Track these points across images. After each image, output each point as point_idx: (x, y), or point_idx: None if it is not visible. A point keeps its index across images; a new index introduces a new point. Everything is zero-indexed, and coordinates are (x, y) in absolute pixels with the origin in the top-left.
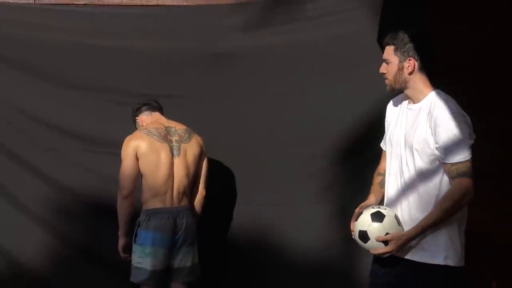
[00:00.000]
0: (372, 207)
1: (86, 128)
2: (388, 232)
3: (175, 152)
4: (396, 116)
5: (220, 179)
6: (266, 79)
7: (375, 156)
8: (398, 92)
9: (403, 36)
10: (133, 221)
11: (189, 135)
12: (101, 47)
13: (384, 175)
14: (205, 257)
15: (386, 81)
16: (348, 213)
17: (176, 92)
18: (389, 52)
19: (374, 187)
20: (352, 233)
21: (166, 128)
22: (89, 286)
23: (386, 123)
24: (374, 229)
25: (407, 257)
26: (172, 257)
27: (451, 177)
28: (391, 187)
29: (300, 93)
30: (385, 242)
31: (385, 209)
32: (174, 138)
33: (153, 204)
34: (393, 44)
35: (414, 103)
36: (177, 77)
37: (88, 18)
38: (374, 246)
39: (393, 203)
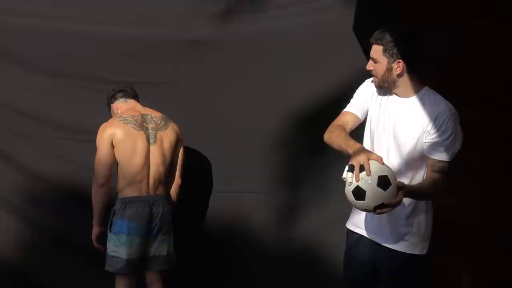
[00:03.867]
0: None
1: (61, 115)
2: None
3: (151, 140)
4: (379, 104)
5: (195, 167)
6: (242, 67)
7: None
8: None
9: (392, 37)
10: (108, 210)
11: (165, 122)
12: (76, 33)
13: (346, 131)
14: (180, 246)
15: (374, 78)
16: (321, 201)
17: (151, 79)
18: (378, 52)
19: (348, 137)
20: (360, 186)
21: (142, 115)
22: (64, 275)
23: (363, 95)
24: (392, 174)
25: (387, 245)
26: (148, 245)
27: (433, 171)
28: None
29: (276, 81)
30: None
31: None
32: (151, 125)
33: (128, 192)
34: (382, 45)
35: (403, 97)
36: (153, 64)
37: (63, 3)
38: (393, 194)
39: None
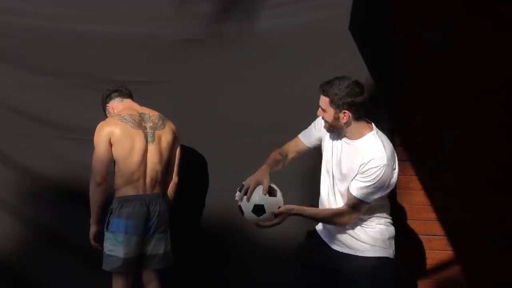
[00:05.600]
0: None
1: (59, 114)
2: (280, 206)
3: (149, 139)
4: (333, 140)
5: (192, 166)
6: (238, 65)
7: None
8: None
9: (338, 89)
10: (105, 209)
11: (163, 121)
12: (73, 32)
13: (284, 156)
14: (177, 244)
15: (324, 123)
16: (317, 200)
17: (147, 78)
18: (325, 102)
19: (271, 161)
20: (241, 206)
21: (140, 114)
22: (61, 273)
23: (318, 129)
24: (270, 203)
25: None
26: (145, 244)
27: (347, 203)
28: (324, 201)
29: (271, 80)
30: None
31: (273, 184)
32: (148, 124)
33: (126, 191)
34: (328, 97)
35: (351, 139)
36: (149, 63)
37: (62, 3)
38: (267, 218)
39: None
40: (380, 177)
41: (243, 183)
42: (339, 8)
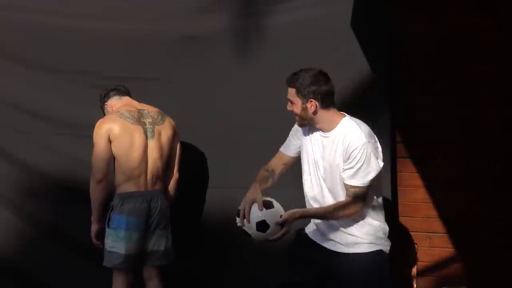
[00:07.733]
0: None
1: (60, 111)
2: (282, 214)
3: (149, 134)
4: (310, 139)
5: (193, 163)
6: (239, 63)
7: None
8: None
9: (303, 79)
10: (106, 206)
11: (162, 117)
12: (73, 29)
13: (271, 172)
14: (177, 241)
15: (295, 117)
16: None
17: (149, 75)
18: (292, 94)
19: (258, 179)
20: (245, 229)
21: (139, 110)
22: (61, 270)
23: (294, 133)
24: (271, 215)
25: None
26: (146, 240)
27: (347, 195)
28: (311, 202)
29: (273, 77)
30: (282, 225)
31: (267, 198)
32: (148, 120)
33: (127, 187)
34: (294, 87)
35: (326, 131)
36: (150, 60)
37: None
38: (274, 231)
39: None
40: (365, 156)
41: (238, 208)
42: (340, 4)
